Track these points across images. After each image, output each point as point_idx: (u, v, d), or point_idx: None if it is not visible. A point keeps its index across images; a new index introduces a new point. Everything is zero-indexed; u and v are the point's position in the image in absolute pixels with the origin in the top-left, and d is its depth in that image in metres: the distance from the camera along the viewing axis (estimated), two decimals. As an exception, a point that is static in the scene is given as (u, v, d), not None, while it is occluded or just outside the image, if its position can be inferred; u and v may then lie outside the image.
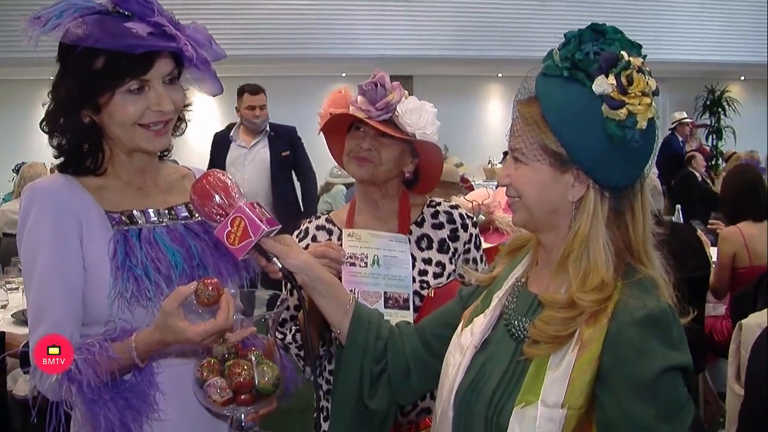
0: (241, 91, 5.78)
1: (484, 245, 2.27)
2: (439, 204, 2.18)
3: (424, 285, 2.03)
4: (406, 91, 2.02)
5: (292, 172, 5.91)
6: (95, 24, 1.50)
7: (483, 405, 1.32)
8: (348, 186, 7.94)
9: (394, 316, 1.88)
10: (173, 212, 1.69)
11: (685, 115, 10.83)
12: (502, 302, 1.44)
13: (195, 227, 1.68)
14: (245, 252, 1.46)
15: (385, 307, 1.95)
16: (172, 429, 1.59)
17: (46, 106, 1.60)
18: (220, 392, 1.44)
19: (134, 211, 1.63)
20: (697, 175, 8.84)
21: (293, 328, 2.05)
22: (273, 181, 5.74)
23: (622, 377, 1.21)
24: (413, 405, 2.01)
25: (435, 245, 2.10)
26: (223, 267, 1.67)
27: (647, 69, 1.28)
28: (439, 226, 2.12)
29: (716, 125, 13.45)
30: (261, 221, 1.45)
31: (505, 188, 1.41)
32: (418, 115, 1.98)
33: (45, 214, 1.54)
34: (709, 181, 9.30)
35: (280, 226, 1.51)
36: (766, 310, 3.04)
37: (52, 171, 5.53)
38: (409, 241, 2.06)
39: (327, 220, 2.18)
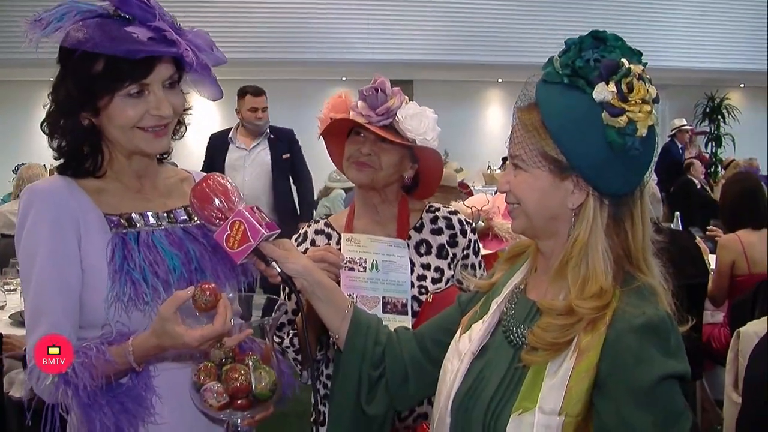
0: (242, 93, 5.71)
1: (483, 251, 2.27)
2: (438, 209, 2.17)
3: (423, 290, 2.03)
4: (406, 97, 2.02)
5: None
6: (96, 28, 1.50)
7: (480, 411, 1.32)
8: (347, 190, 7.95)
9: (393, 321, 1.88)
10: (172, 215, 1.69)
11: (685, 122, 10.84)
12: (500, 309, 1.44)
13: (194, 231, 1.68)
14: (244, 256, 1.46)
15: (384, 312, 1.95)
16: (168, 433, 1.58)
17: (46, 108, 1.60)
18: (216, 397, 1.43)
19: (133, 214, 1.63)
20: (696, 182, 8.84)
21: (291, 332, 2.05)
22: (273, 184, 5.70)
23: (620, 385, 1.20)
24: (410, 410, 2.01)
25: (434, 250, 2.10)
26: (222, 271, 1.67)
27: (647, 76, 1.28)
28: (438, 232, 2.12)
29: (716, 132, 13.47)
30: (260, 225, 1.45)
31: (504, 194, 1.41)
32: (418, 121, 1.98)
33: (43, 216, 1.54)
34: (708, 188, 9.30)
35: (279, 231, 1.51)
36: (764, 318, 3.04)
37: (51, 173, 5.53)
38: (408, 246, 2.06)
39: (326, 224, 2.17)
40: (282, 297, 2.01)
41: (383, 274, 1.99)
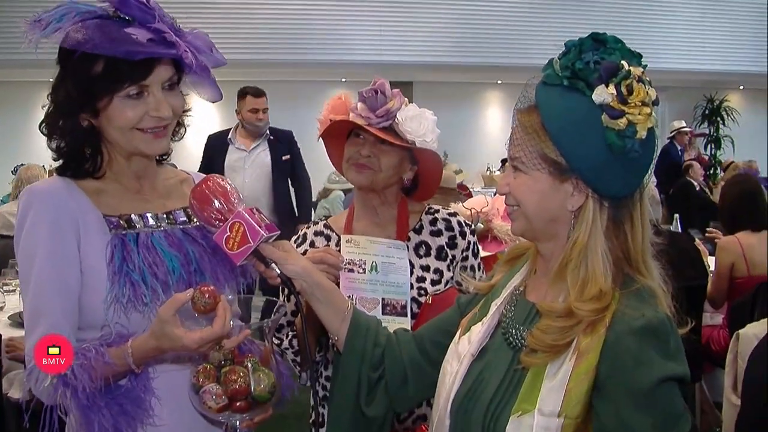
0: (243, 94, 5.66)
1: (482, 253, 2.27)
2: (437, 211, 2.18)
3: (422, 292, 2.03)
4: (406, 99, 2.03)
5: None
6: (95, 29, 1.50)
7: (480, 413, 1.32)
8: (346, 192, 7.95)
9: (392, 323, 1.88)
10: (171, 217, 1.68)
11: (684, 124, 10.85)
12: (500, 311, 1.44)
13: (193, 232, 1.68)
14: (244, 257, 1.46)
15: (383, 313, 1.95)
16: (167, 435, 1.58)
17: (45, 109, 1.60)
18: (215, 399, 1.43)
19: (132, 215, 1.63)
20: (695, 184, 8.85)
21: (290, 333, 2.05)
22: (273, 186, 5.66)
23: (620, 387, 1.20)
24: (409, 412, 2.01)
25: (433, 252, 2.10)
26: (221, 272, 1.67)
27: (647, 79, 1.28)
28: (437, 234, 2.12)
29: (715, 134, 13.48)
30: (260, 227, 1.45)
31: (503, 196, 1.41)
32: (418, 123, 1.98)
33: (42, 217, 1.53)
34: (707, 190, 9.30)
35: (278, 232, 1.51)
36: (763, 320, 3.04)
37: (50, 174, 5.52)
38: (407, 247, 2.06)
39: (325, 225, 2.17)
40: (281, 298, 2.01)
41: (383, 275, 1.99)
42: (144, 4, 1.54)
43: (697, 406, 4.28)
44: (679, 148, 10.43)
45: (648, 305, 1.26)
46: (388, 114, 1.96)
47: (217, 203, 1.47)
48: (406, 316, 1.97)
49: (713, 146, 13.42)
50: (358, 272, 1.98)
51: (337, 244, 2.07)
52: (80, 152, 1.61)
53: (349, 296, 1.87)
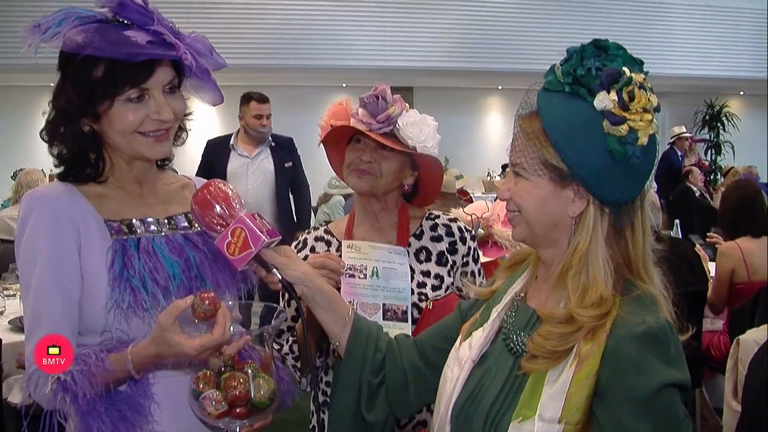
0: (247, 99, 5.60)
1: (483, 259, 2.27)
2: (438, 217, 2.18)
3: (423, 297, 2.03)
4: (407, 104, 2.03)
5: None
6: (95, 32, 1.50)
7: (480, 419, 1.32)
8: (346, 197, 7.94)
9: (393, 328, 1.88)
10: (173, 222, 1.68)
11: (684, 130, 10.87)
12: (500, 316, 1.44)
13: (194, 237, 1.68)
14: (245, 263, 1.46)
15: (384, 319, 1.95)
16: (167, 440, 1.58)
17: (45, 115, 1.60)
18: (215, 405, 1.43)
19: (134, 220, 1.63)
20: (695, 189, 8.86)
21: (290, 338, 2.05)
22: (276, 192, 5.59)
23: (620, 393, 1.20)
24: (410, 418, 2.01)
25: (434, 258, 2.09)
26: (221, 278, 1.67)
27: (649, 85, 1.28)
28: (437, 239, 2.12)
29: (715, 140, 13.49)
30: (261, 232, 1.45)
31: (503, 202, 1.41)
32: (419, 129, 1.98)
33: (43, 222, 1.53)
34: (707, 195, 9.31)
35: (280, 237, 1.51)
36: (763, 326, 3.04)
37: (51, 178, 5.53)
38: (408, 253, 2.06)
39: (326, 231, 2.17)
40: (281, 304, 2.01)
41: (383, 281, 1.99)
42: (142, 8, 1.54)
43: (697, 412, 4.28)
44: (679, 153, 10.45)
45: (649, 311, 1.25)
46: (389, 120, 1.97)
47: (218, 208, 1.47)
48: (406, 321, 1.97)
49: (713, 152, 13.44)
50: (359, 277, 1.98)
51: (338, 250, 2.07)
52: (82, 158, 1.61)
53: (350, 301, 1.87)
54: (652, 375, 1.19)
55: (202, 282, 1.62)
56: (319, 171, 5.32)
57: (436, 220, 2.16)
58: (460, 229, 2.16)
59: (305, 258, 1.90)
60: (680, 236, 5.77)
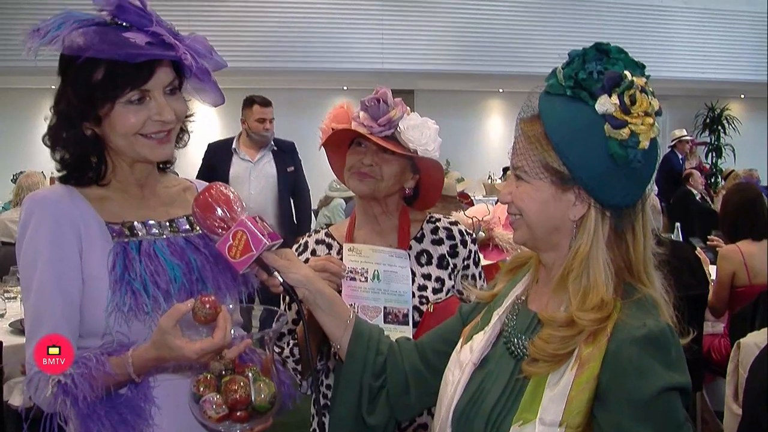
0: (250, 102, 5.56)
1: (484, 262, 2.27)
2: (438, 220, 2.18)
3: (424, 300, 2.03)
4: (408, 108, 2.03)
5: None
6: (95, 35, 1.50)
7: (481, 422, 1.32)
8: (347, 200, 7.95)
9: (394, 331, 1.88)
10: (174, 224, 1.68)
11: (685, 133, 10.85)
12: (501, 320, 1.44)
13: (196, 240, 1.68)
14: (246, 265, 1.46)
15: (385, 322, 1.95)
16: (167, 443, 1.58)
17: (47, 120, 1.60)
18: (215, 408, 1.43)
19: (135, 223, 1.63)
20: (696, 192, 8.85)
21: (291, 341, 2.05)
22: (278, 197, 5.56)
23: (621, 396, 1.20)
24: (410, 421, 2.01)
25: (434, 261, 2.09)
26: (223, 281, 1.66)
27: (650, 89, 1.28)
28: (438, 242, 2.12)
29: (716, 143, 13.49)
30: (263, 235, 1.45)
31: (504, 205, 1.41)
32: (420, 132, 1.98)
33: (44, 225, 1.54)
34: (708, 198, 9.30)
35: (281, 240, 1.51)
36: (764, 329, 3.04)
37: (51, 181, 5.53)
38: (409, 256, 2.06)
39: (326, 234, 2.17)
40: (282, 307, 2.01)
41: (385, 284, 1.99)
42: (141, 10, 1.55)
43: (698, 416, 4.28)
44: (680, 156, 10.44)
45: (650, 315, 1.25)
46: (390, 123, 1.97)
47: (219, 211, 1.47)
48: (407, 324, 1.97)
49: (714, 155, 13.44)
50: (360, 281, 1.98)
51: (339, 253, 2.07)
52: (84, 161, 1.61)
53: (351, 304, 1.87)
54: (652, 378, 1.19)
55: (203, 285, 1.62)
56: (319, 174, 5.31)
57: (437, 224, 2.16)
58: (461, 232, 2.16)
59: (306, 261, 1.90)
60: (681, 239, 5.77)
